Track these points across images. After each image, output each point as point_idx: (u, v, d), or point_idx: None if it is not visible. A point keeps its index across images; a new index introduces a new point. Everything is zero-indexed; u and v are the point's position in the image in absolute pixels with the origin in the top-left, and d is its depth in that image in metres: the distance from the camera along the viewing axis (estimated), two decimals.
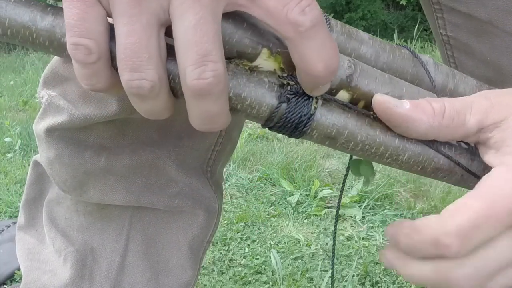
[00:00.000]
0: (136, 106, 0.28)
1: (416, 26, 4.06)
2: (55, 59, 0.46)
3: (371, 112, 0.32)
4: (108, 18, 0.26)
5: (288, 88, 0.29)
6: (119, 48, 0.25)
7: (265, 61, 0.29)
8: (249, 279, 1.12)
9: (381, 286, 1.11)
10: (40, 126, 0.47)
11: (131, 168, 0.48)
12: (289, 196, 1.58)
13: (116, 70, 0.26)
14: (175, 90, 0.28)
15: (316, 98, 0.30)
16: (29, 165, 1.96)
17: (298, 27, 0.25)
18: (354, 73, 0.31)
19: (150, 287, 0.53)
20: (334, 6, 5.29)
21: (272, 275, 1.13)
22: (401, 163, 0.32)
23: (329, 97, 0.31)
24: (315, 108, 0.30)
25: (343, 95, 0.32)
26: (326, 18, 0.33)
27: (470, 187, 0.33)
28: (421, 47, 4.02)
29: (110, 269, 0.52)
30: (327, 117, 0.30)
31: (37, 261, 0.54)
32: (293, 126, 0.30)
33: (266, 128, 0.31)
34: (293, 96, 0.29)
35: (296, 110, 0.29)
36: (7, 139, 2.19)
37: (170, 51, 0.27)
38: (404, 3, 5.30)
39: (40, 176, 0.55)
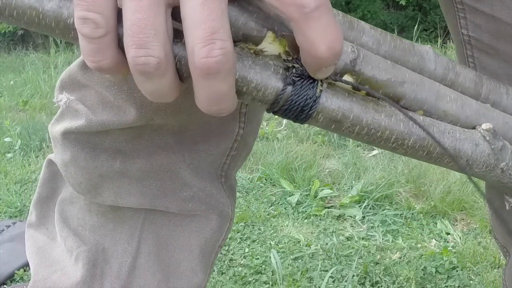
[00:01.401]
0: (141, 87, 0.28)
1: (416, 26, 4.05)
2: (73, 65, 0.46)
3: (376, 98, 0.32)
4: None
5: (294, 71, 0.29)
6: (126, 24, 0.25)
7: (270, 45, 0.29)
8: (249, 279, 1.12)
9: (381, 286, 1.11)
10: (56, 128, 0.48)
11: (145, 171, 0.48)
12: (289, 196, 1.58)
13: (123, 51, 0.26)
14: (181, 72, 0.28)
15: (321, 81, 0.30)
16: (29, 165, 1.96)
17: (303, 8, 0.25)
18: (358, 57, 0.31)
19: None
20: (334, 6, 5.28)
21: (272, 275, 1.13)
22: (406, 148, 0.32)
23: (335, 78, 0.31)
24: (321, 91, 0.30)
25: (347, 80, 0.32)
26: None
27: (476, 174, 0.33)
28: None
29: (121, 270, 0.52)
30: (332, 100, 0.30)
31: (48, 259, 0.54)
32: (299, 109, 0.29)
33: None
34: (299, 78, 0.29)
35: (302, 93, 0.29)
36: (7, 139, 2.19)
37: (177, 34, 0.27)
38: (404, 3, 5.30)
39: (54, 175, 0.55)
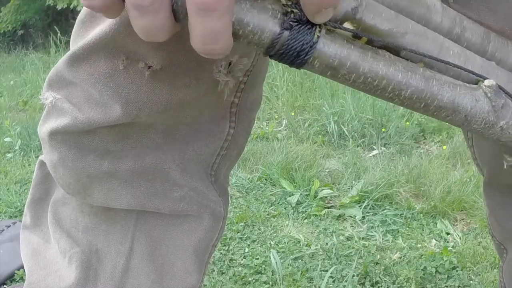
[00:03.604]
0: (134, 23, 0.28)
1: None
2: (60, 62, 0.45)
3: (376, 46, 0.31)
4: None
5: (292, 15, 0.29)
6: None
7: None
8: (249, 279, 1.12)
9: (381, 286, 1.11)
10: (43, 129, 0.47)
11: (135, 172, 0.47)
12: (289, 196, 1.58)
13: None
14: (177, 13, 0.28)
15: (319, 27, 0.29)
16: (29, 165, 1.96)
17: None
18: (360, 5, 0.31)
19: None
20: None
21: (272, 275, 1.13)
22: (403, 99, 0.32)
23: (334, 25, 0.30)
24: (318, 36, 0.29)
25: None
26: None
27: (474, 130, 0.33)
28: None
29: (114, 271, 0.51)
30: (329, 47, 0.29)
31: (42, 261, 0.54)
32: (295, 54, 0.29)
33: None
34: (296, 23, 0.29)
35: (299, 38, 0.29)
36: (7, 139, 2.19)
37: None
38: None
39: (46, 176, 0.54)
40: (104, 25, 0.39)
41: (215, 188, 0.54)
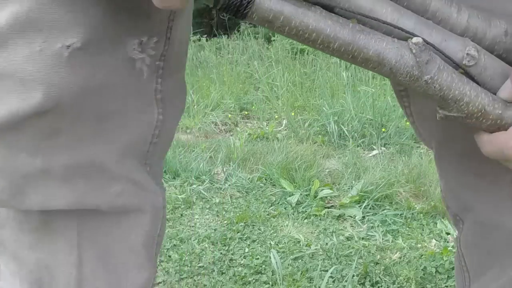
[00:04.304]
0: None
1: None
2: None
3: (310, 3, 0.36)
4: None
5: None
6: None
7: None
8: (249, 279, 1.12)
9: (381, 286, 1.11)
10: None
11: (70, 168, 0.45)
12: (289, 196, 1.58)
13: None
14: None
15: None
16: None
17: None
18: None
19: None
20: None
21: (272, 275, 1.13)
22: (332, 50, 0.36)
23: None
24: None
25: None
26: None
27: (401, 82, 0.37)
28: None
29: (69, 283, 0.50)
30: (265, 3, 0.34)
31: None
32: (235, 9, 0.35)
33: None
34: None
35: None
36: None
37: None
38: None
39: None
40: (15, 6, 0.38)
41: (151, 177, 0.53)
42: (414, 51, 0.35)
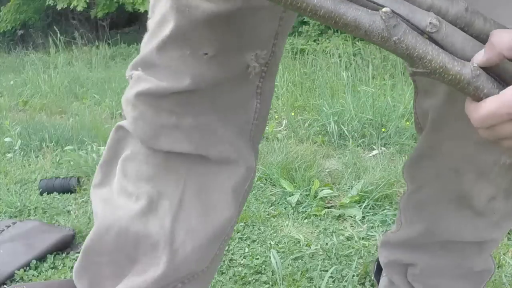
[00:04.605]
0: None
1: None
2: (147, 50, 0.63)
3: None
4: None
5: None
6: None
7: None
8: (249, 279, 1.12)
9: None
10: (131, 91, 0.65)
11: (192, 127, 0.65)
12: (289, 196, 1.58)
13: None
14: None
15: None
16: (29, 165, 1.96)
17: None
18: None
19: (201, 221, 0.68)
20: None
21: (272, 275, 1.13)
22: (318, 17, 0.44)
23: None
24: None
25: None
26: None
27: (375, 42, 0.45)
28: None
29: (171, 206, 0.66)
30: None
31: (111, 205, 0.69)
32: None
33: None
34: None
35: None
36: (7, 139, 2.19)
37: None
38: None
39: (119, 141, 0.70)
40: (170, 26, 0.59)
41: (251, 148, 0.71)
42: (383, 17, 0.43)
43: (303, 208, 1.51)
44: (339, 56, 3.63)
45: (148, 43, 0.63)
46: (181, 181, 0.67)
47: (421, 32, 0.45)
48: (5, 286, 1.11)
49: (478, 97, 0.45)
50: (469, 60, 0.45)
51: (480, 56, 0.44)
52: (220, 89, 0.64)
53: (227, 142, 0.68)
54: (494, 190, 0.71)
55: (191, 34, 0.59)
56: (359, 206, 1.50)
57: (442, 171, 0.74)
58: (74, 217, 1.46)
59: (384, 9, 0.44)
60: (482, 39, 0.46)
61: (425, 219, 0.80)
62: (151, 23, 0.64)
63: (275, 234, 1.35)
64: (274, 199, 1.59)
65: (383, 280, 0.93)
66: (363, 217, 1.45)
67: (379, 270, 0.94)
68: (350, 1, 0.44)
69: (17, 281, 1.14)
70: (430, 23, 0.44)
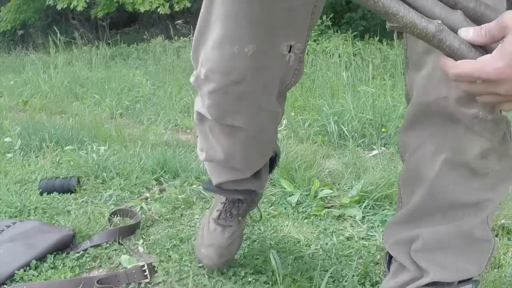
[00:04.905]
0: None
1: None
2: (207, 50, 0.84)
3: None
4: None
5: None
6: None
7: None
8: (249, 279, 1.12)
9: None
10: (204, 89, 0.89)
11: (244, 107, 0.90)
12: (289, 196, 1.58)
13: None
14: None
15: None
16: (29, 165, 1.96)
17: None
18: None
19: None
20: (334, 6, 5.28)
21: (272, 275, 1.13)
22: None
23: None
24: None
25: None
26: None
27: (357, 2, 0.56)
28: None
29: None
30: None
31: (210, 140, 1.00)
32: None
33: None
34: None
35: None
36: (7, 139, 2.19)
37: None
38: None
39: (201, 120, 0.99)
40: (221, 26, 0.79)
41: (283, 100, 0.97)
42: None
43: (303, 208, 1.51)
44: (339, 56, 3.63)
45: (202, 41, 0.85)
46: (240, 139, 0.96)
47: None
48: (5, 286, 1.11)
49: (443, 49, 0.56)
50: (437, 19, 0.56)
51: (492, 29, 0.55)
52: (265, 74, 0.84)
53: (267, 109, 0.92)
54: (486, 144, 0.74)
55: (234, 34, 0.77)
56: (359, 206, 1.50)
57: (435, 128, 0.79)
58: (74, 217, 1.46)
59: None
60: (450, 4, 0.58)
61: (423, 184, 0.82)
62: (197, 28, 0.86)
63: (275, 234, 1.35)
64: (274, 199, 1.59)
65: (393, 266, 0.94)
66: (363, 217, 1.45)
67: (390, 259, 0.95)
68: None
69: (17, 281, 1.14)
70: None
